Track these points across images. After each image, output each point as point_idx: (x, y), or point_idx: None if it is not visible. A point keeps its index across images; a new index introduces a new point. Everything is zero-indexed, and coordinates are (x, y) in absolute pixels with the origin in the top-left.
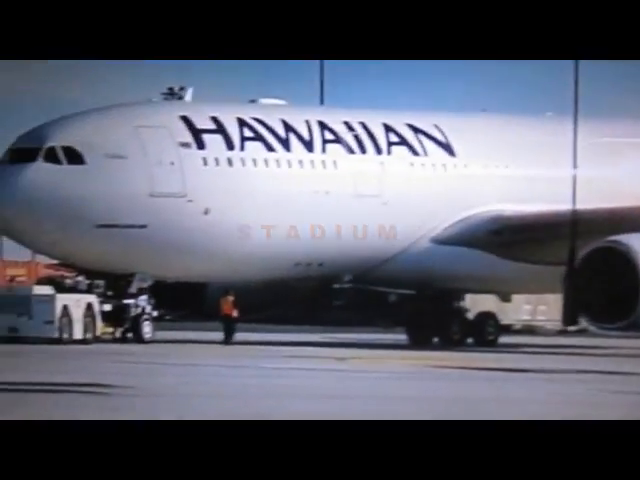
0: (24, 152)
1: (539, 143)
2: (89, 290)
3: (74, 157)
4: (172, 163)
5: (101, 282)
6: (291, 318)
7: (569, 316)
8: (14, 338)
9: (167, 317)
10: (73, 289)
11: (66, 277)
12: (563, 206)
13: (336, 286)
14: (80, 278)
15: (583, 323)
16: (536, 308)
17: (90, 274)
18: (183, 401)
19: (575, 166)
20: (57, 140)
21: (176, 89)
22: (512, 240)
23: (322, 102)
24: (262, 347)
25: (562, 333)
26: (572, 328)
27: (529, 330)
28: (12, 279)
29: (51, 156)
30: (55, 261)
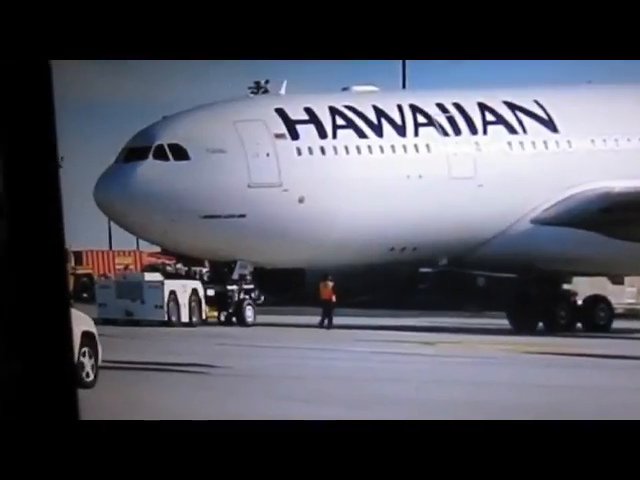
0: (136, 151)
1: None
2: (187, 276)
3: (180, 153)
4: (268, 154)
5: (198, 269)
6: (388, 302)
7: None
8: (130, 321)
9: (269, 302)
10: (173, 275)
11: (167, 264)
12: None
13: (424, 270)
14: (179, 265)
15: None
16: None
17: (188, 261)
18: (273, 382)
19: None
20: (164, 138)
21: (262, 83)
22: (623, 218)
23: (404, 86)
24: (356, 331)
25: None
26: None
27: (633, 314)
28: (126, 267)
29: (160, 153)
30: (159, 250)
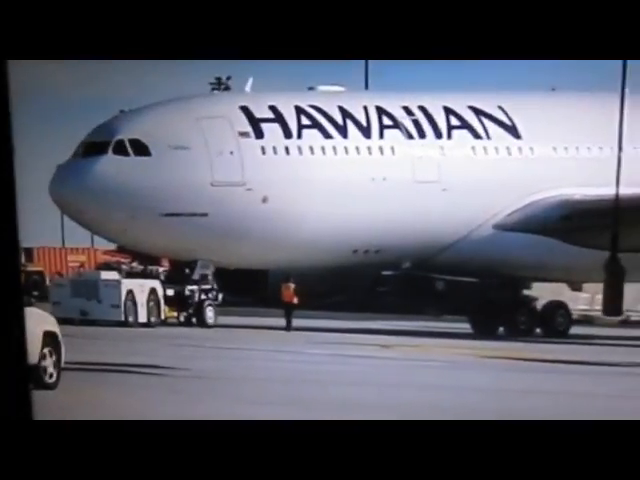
0: (95, 146)
1: (612, 123)
2: (143, 275)
3: (141, 149)
4: (231, 153)
5: (154, 268)
6: (352, 305)
7: (611, 306)
8: (85, 321)
9: (230, 303)
10: (130, 274)
11: (122, 263)
12: (637, 189)
13: (386, 273)
14: (135, 264)
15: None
16: (594, 297)
17: (144, 260)
18: (230, 384)
19: (620, 148)
20: (125, 133)
21: (224, 79)
22: (581, 225)
23: (367, 87)
24: (316, 334)
25: (624, 324)
26: (621, 318)
27: (587, 320)
28: (82, 265)
29: (120, 148)
30: (114, 248)
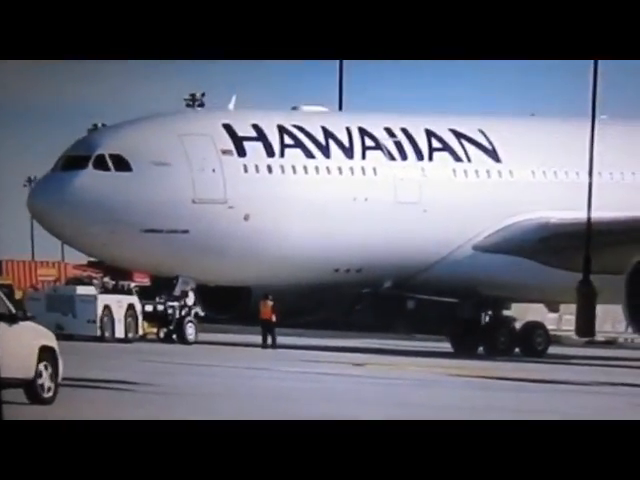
0: (75, 160)
1: (588, 148)
2: (115, 290)
3: (121, 164)
4: (214, 170)
5: (126, 283)
6: (332, 323)
7: (584, 326)
8: (60, 335)
9: (212, 320)
10: (106, 290)
11: (93, 277)
12: (614, 213)
13: (365, 290)
14: (107, 279)
15: (614, 334)
16: (562, 317)
17: (116, 275)
18: (200, 400)
19: (591, 174)
20: (106, 148)
21: (198, 95)
22: (558, 247)
23: (341, 108)
24: (290, 351)
25: (590, 344)
26: (599, 339)
27: (554, 340)
28: (56, 280)
29: (100, 163)
30: (85, 262)
